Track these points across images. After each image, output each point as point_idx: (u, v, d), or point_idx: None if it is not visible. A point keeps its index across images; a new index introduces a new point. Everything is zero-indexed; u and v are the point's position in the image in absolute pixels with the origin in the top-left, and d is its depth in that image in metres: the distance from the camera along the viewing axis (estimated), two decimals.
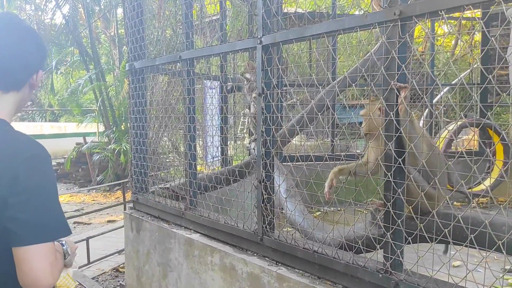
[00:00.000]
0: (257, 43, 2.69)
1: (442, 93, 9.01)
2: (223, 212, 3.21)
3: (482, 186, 6.29)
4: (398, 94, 1.98)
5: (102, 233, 6.05)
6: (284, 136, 3.49)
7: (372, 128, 2.28)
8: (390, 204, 2.03)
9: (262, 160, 2.72)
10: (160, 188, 4.20)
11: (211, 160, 6.29)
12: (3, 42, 1.36)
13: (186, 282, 3.37)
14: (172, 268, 3.53)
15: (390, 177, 2.01)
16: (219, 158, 5.90)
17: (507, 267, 2.78)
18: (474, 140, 6.21)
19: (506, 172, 5.61)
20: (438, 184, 1.93)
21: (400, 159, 1.98)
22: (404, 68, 1.96)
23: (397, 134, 1.99)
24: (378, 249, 2.15)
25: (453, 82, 9.46)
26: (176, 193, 3.96)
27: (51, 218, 1.32)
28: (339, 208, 2.62)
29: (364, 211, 2.35)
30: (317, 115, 3.03)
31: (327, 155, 2.56)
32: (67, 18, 11.70)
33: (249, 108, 5.77)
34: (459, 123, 5.94)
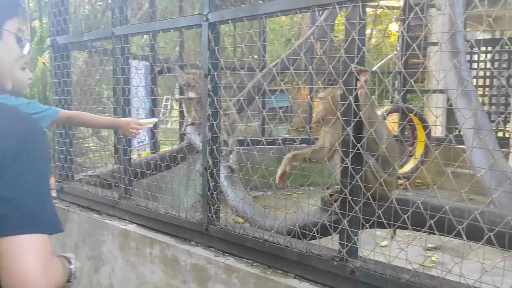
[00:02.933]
0: (203, 20, 2.51)
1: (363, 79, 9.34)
2: (162, 201, 3.02)
3: (404, 169, 6.65)
4: (357, 77, 1.93)
5: None
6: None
7: (328, 113, 2.21)
8: (347, 190, 1.98)
9: (209, 146, 2.57)
10: (88, 175, 3.87)
11: (138, 145, 5.98)
12: None
13: (122, 276, 3.14)
14: (105, 262, 3.27)
15: (347, 163, 1.97)
16: (149, 143, 5.62)
17: (430, 245, 2.95)
18: (399, 124, 6.51)
19: (427, 155, 5.95)
20: (396, 169, 1.91)
21: (358, 145, 1.94)
22: (365, 51, 1.91)
23: (356, 119, 1.94)
24: (333, 236, 2.12)
25: (373, 69, 9.87)
26: (107, 181, 3.67)
27: (46, 206, 1.02)
28: (287, 193, 2.56)
29: (313, 199, 2.29)
30: (254, 98, 2.94)
31: (270, 139, 2.46)
32: None
33: (182, 92, 5.53)
34: (386, 108, 6.18)
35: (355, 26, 1.90)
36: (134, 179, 3.23)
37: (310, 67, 2.25)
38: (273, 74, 2.95)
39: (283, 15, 2.25)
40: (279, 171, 2.43)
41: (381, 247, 1.99)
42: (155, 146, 5.21)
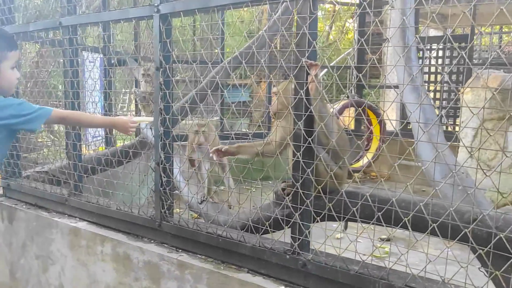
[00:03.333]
0: (154, 12, 2.44)
1: (321, 75, 9.46)
2: (114, 197, 2.94)
3: (360, 163, 6.79)
4: (308, 71, 1.93)
5: None
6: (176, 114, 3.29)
7: (282, 107, 2.21)
8: (298, 184, 1.99)
9: (161, 141, 2.51)
10: (37, 172, 3.72)
11: (92, 140, 5.79)
12: None
13: (72, 275, 3.04)
14: (54, 261, 3.16)
15: (299, 157, 1.97)
16: (101, 137, 5.45)
17: (383, 236, 3.02)
18: (352, 119, 6.64)
19: (384, 149, 6.12)
20: (346, 163, 1.94)
21: (310, 139, 1.94)
22: (315, 45, 1.91)
23: (307, 113, 1.94)
24: (285, 230, 2.13)
25: (330, 65, 10.01)
26: (57, 178, 3.53)
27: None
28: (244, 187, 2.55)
29: (266, 193, 2.30)
30: (209, 93, 2.91)
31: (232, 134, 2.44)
32: None
33: (137, 86, 5.40)
34: (342, 102, 6.28)
35: (306, 20, 1.90)
36: (85, 175, 3.13)
37: (262, 61, 2.24)
38: (228, 69, 2.92)
39: (235, 8, 2.22)
40: (218, 147, 2.44)
41: (337, 239, 2.01)
42: (109, 141, 5.07)
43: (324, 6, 11.82)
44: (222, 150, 2.47)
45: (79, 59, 3.11)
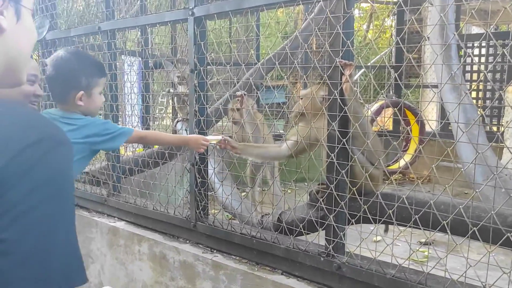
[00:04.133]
0: (189, 15, 2.48)
1: (357, 75, 9.30)
2: (151, 197, 2.99)
3: (398, 165, 6.63)
4: (342, 72, 1.91)
5: None
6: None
7: (311, 108, 2.19)
8: (333, 186, 1.96)
9: None
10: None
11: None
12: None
13: (111, 274, 3.12)
14: (94, 260, 3.25)
15: (333, 158, 1.95)
16: None
17: (422, 240, 2.93)
18: (391, 119, 6.51)
19: (421, 150, 5.95)
20: (382, 164, 1.90)
21: (344, 140, 1.91)
22: (350, 45, 1.88)
23: (341, 114, 1.92)
24: (319, 232, 2.10)
25: (368, 64, 9.82)
26: (96, 178, 3.63)
27: (67, 254, 0.76)
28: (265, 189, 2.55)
29: (299, 195, 2.28)
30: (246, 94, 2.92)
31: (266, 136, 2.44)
32: None
33: (174, 87, 5.49)
34: (379, 103, 6.16)
35: (340, 20, 1.87)
36: (123, 176, 3.20)
37: (295, 62, 2.23)
38: (261, 70, 2.92)
39: (268, 9, 2.22)
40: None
41: (374, 242, 1.97)
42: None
43: (361, 5, 11.63)
44: (232, 145, 2.45)
45: (117, 63, 3.19)
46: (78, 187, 3.50)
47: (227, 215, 3.14)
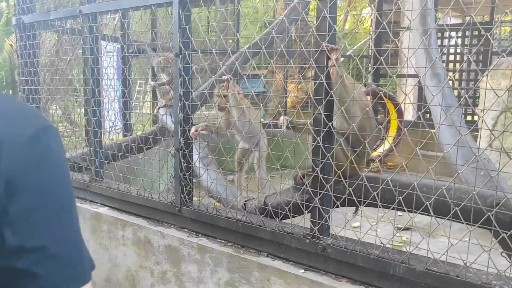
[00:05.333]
0: None
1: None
2: (135, 183, 2.98)
3: (378, 152, 6.75)
4: (328, 56, 1.93)
5: None
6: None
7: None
8: (318, 169, 2.00)
9: (181, 127, 2.54)
10: None
11: (110, 129, 5.85)
12: None
13: (94, 259, 3.09)
14: None
15: (319, 142, 1.98)
16: (120, 126, 5.50)
17: (400, 226, 3.01)
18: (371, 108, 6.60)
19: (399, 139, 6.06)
20: (367, 147, 1.94)
21: (330, 123, 1.95)
22: (336, 29, 1.91)
23: (327, 98, 1.95)
24: (305, 214, 2.14)
25: (347, 54, 9.90)
26: (78, 164, 3.59)
27: (81, 248, 0.77)
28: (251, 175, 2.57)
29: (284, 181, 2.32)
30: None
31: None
32: None
33: (156, 73, 5.43)
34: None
35: (327, 4, 1.89)
36: (106, 162, 3.18)
37: (281, 45, 2.24)
38: (246, 57, 2.92)
39: None
40: (193, 128, 2.52)
41: (354, 228, 2.02)
42: (127, 130, 5.12)
43: None
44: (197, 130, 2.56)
45: (98, 48, 3.14)
46: None
47: (211, 201, 3.15)
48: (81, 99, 4.80)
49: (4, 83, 10.89)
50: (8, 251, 0.64)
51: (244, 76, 2.64)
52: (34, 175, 0.67)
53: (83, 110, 4.71)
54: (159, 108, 4.28)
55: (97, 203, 3.18)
